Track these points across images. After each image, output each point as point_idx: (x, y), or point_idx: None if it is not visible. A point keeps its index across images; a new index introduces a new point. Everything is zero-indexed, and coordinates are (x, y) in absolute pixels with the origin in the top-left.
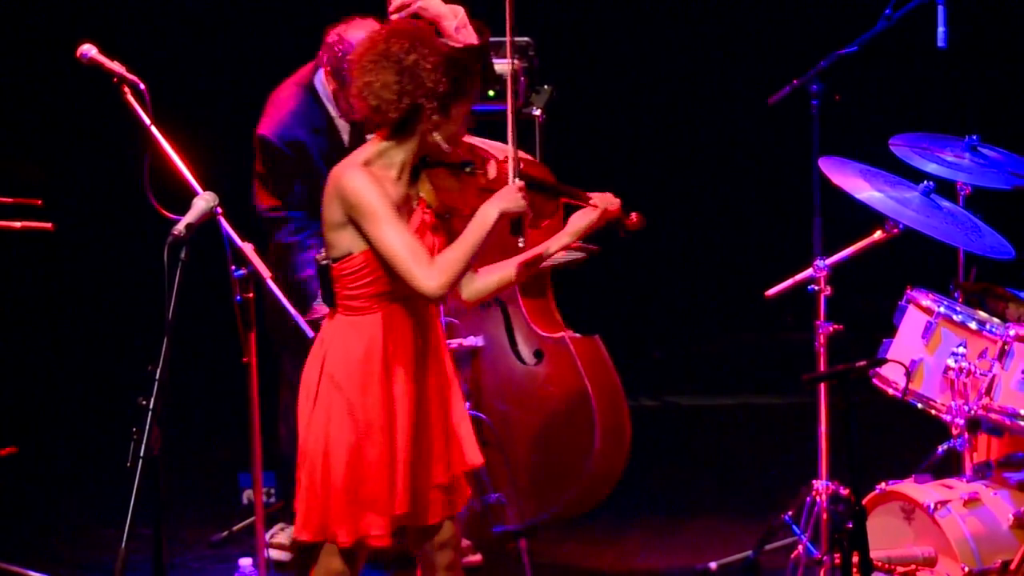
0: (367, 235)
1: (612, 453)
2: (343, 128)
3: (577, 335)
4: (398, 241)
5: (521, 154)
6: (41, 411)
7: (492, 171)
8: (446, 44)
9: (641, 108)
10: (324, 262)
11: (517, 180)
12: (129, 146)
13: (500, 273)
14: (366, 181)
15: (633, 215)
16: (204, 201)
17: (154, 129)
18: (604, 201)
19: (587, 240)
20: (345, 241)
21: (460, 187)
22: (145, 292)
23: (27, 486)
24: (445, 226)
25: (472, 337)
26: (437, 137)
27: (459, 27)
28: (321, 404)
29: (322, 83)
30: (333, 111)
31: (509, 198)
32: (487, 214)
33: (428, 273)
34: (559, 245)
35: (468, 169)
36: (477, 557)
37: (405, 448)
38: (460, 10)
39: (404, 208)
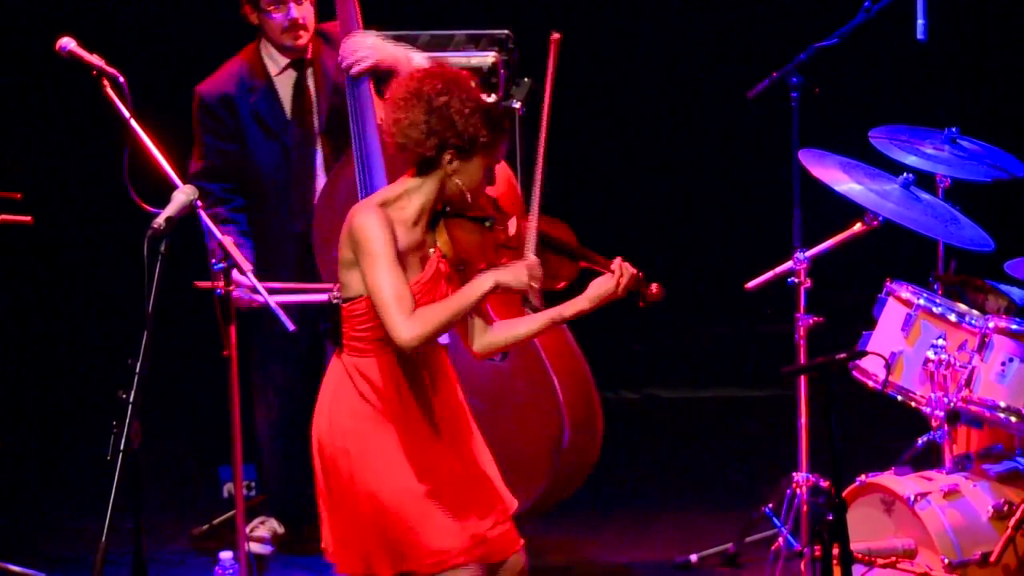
0: (363, 273)
1: (583, 445)
2: (283, 84)
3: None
4: (386, 284)
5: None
6: (21, 405)
7: (512, 228)
8: (478, 92)
9: (621, 101)
10: (335, 301)
11: (531, 255)
12: (109, 139)
13: (512, 331)
14: (374, 221)
15: (654, 286)
16: (184, 194)
17: (134, 122)
18: (622, 269)
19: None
20: (356, 282)
21: (478, 241)
22: (125, 285)
23: (6, 480)
24: (460, 276)
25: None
26: (457, 183)
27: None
28: (342, 449)
29: (264, 44)
30: (274, 68)
31: (515, 274)
32: (483, 283)
33: (406, 322)
34: (575, 310)
35: (488, 224)
36: None
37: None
38: (421, 59)
39: (418, 254)
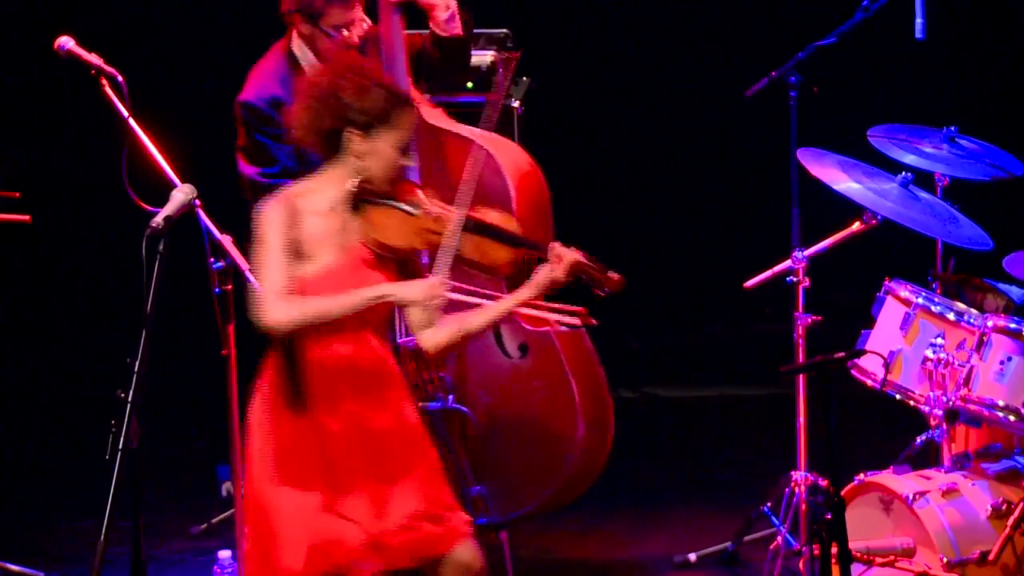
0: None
1: (595, 447)
2: None
3: (563, 329)
4: (264, 268)
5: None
6: (19, 403)
7: (433, 210)
8: (377, 74)
9: (619, 100)
10: None
11: (440, 276)
12: (107, 139)
13: (462, 326)
14: (269, 212)
15: (612, 275)
16: (182, 194)
17: (132, 122)
18: (560, 253)
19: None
20: None
21: (401, 226)
22: (123, 285)
23: (5, 479)
24: (398, 265)
25: None
26: (363, 167)
27: (449, 19)
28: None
29: (299, 46)
30: (310, 70)
31: (410, 291)
32: (370, 291)
33: (273, 303)
34: (519, 299)
35: (410, 210)
36: None
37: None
38: (452, 2)
39: (337, 241)
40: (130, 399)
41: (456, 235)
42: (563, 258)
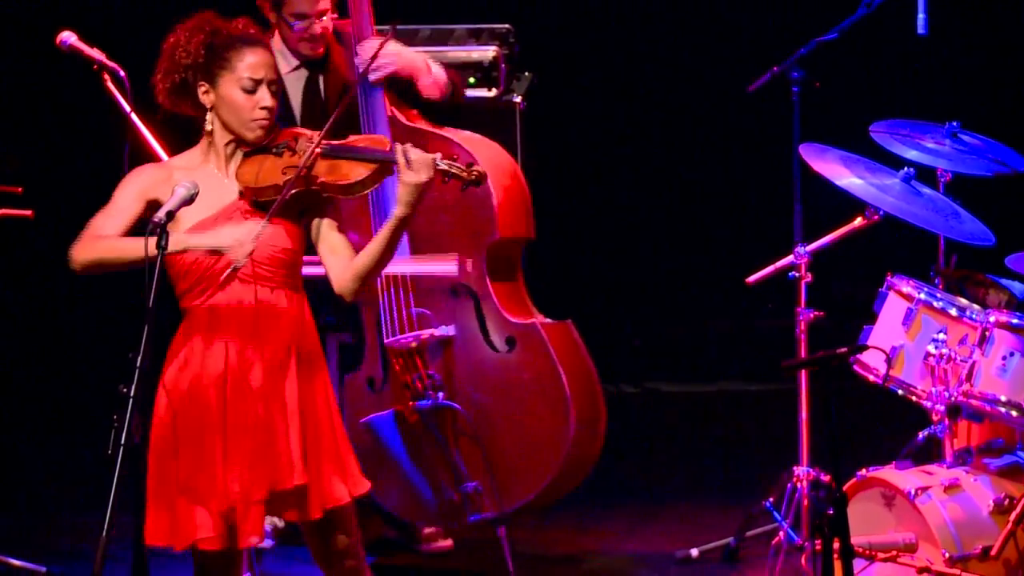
0: None
1: (587, 439)
2: (293, 84)
3: (548, 320)
4: (99, 215)
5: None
6: (22, 399)
7: (301, 146)
8: (220, 22)
9: (622, 95)
10: None
11: (262, 225)
12: (109, 133)
13: (368, 254)
14: (136, 172)
15: (474, 168)
16: (184, 188)
17: (134, 116)
18: (403, 152)
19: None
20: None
21: (264, 168)
22: (125, 280)
23: (7, 474)
24: (310, 215)
25: (443, 327)
26: (218, 119)
27: (432, 84)
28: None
29: (278, 41)
30: (285, 67)
31: (230, 239)
32: (189, 243)
33: (80, 242)
34: (395, 221)
35: (275, 151)
36: (448, 543)
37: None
38: (439, 68)
39: (215, 198)
40: (132, 394)
41: (309, 159)
42: (408, 157)
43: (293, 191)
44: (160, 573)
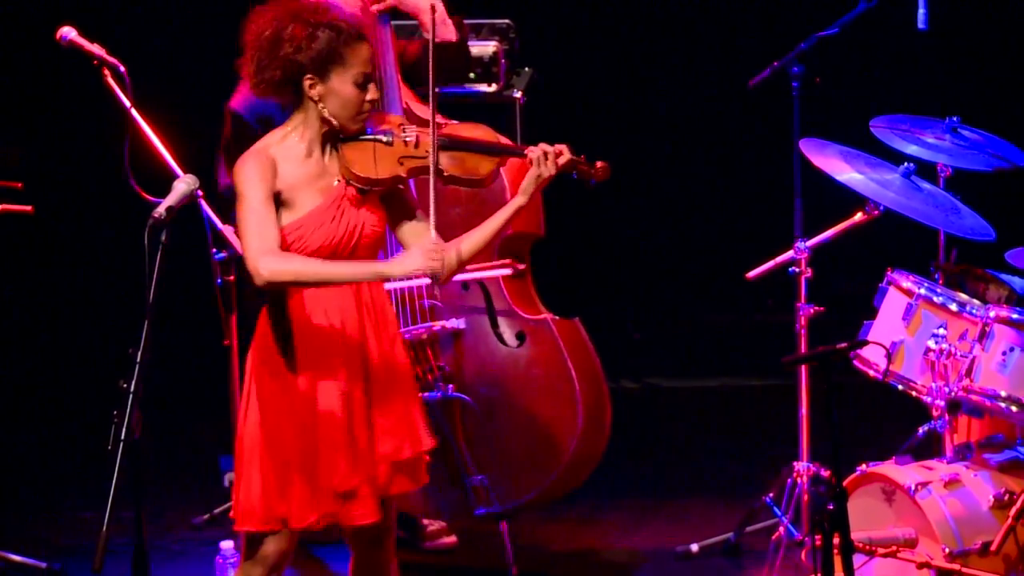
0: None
1: (594, 436)
2: None
3: (558, 317)
4: (250, 220)
5: (456, 124)
6: (22, 394)
7: (409, 135)
8: (326, 13)
9: (622, 90)
10: None
11: (433, 235)
12: (110, 129)
13: (472, 238)
14: (245, 166)
15: (599, 164)
16: (185, 184)
17: (134, 112)
18: (541, 151)
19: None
20: None
21: (377, 158)
22: (126, 275)
23: (8, 469)
24: (386, 196)
25: (454, 319)
26: (325, 112)
27: (437, 22)
28: (246, 391)
29: None
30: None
31: (402, 264)
32: (365, 269)
33: (264, 258)
34: (516, 205)
35: (384, 139)
36: (452, 539)
37: (327, 435)
38: (439, 5)
39: (317, 185)
40: (132, 389)
41: (435, 154)
42: (545, 154)
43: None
44: (160, 568)
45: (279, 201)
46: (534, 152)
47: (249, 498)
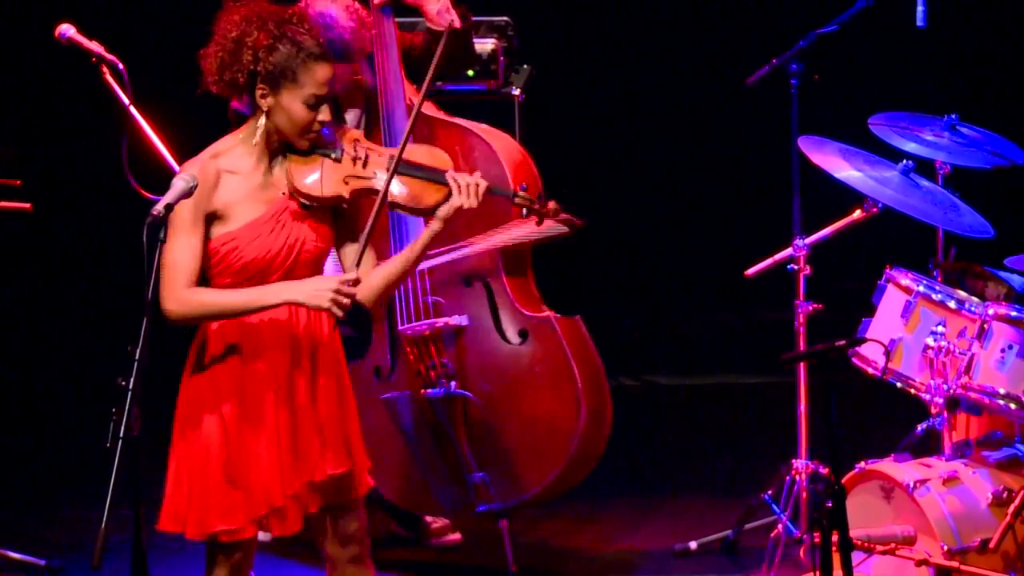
0: None
1: (595, 434)
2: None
3: (560, 315)
4: (171, 252)
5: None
6: (20, 391)
7: (360, 153)
8: (290, 28)
9: (621, 88)
10: None
11: (350, 275)
12: (108, 126)
13: (385, 271)
14: (179, 181)
15: (550, 203)
16: (183, 181)
17: (133, 109)
18: (457, 180)
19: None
20: None
21: (324, 174)
22: (124, 272)
23: (7, 467)
24: (331, 211)
25: (456, 316)
26: (273, 122)
27: (441, 11)
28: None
29: None
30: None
31: (311, 294)
32: (271, 295)
33: (173, 295)
34: (429, 234)
35: (333, 155)
36: (456, 536)
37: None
38: None
39: (262, 197)
40: (130, 387)
41: (385, 176)
42: (463, 184)
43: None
44: (158, 566)
45: (214, 217)
46: (455, 182)
47: (174, 501)
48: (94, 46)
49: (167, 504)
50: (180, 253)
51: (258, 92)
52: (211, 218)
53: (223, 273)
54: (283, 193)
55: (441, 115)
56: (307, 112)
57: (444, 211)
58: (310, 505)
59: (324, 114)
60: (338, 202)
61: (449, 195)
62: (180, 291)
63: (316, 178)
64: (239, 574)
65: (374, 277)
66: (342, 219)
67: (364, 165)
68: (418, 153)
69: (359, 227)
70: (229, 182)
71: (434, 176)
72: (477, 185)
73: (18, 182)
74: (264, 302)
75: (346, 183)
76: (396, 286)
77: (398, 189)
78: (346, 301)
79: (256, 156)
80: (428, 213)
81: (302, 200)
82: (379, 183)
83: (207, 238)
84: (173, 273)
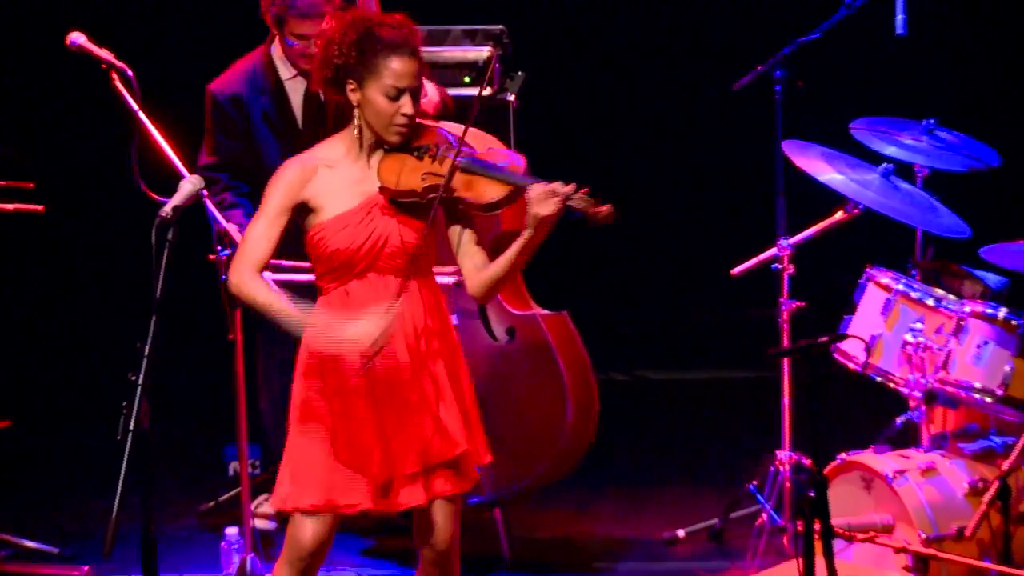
0: None
1: (582, 426)
2: (294, 89)
3: (547, 312)
4: (250, 231)
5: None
6: (34, 387)
7: (440, 151)
8: (370, 23)
9: (611, 93)
10: None
11: (390, 305)
12: (117, 131)
13: (496, 269)
14: (282, 171)
15: (603, 207)
16: (190, 184)
17: (141, 114)
18: (539, 188)
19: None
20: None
21: (404, 169)
22: (134, 272)
23: (21, 458)
24: (420, 208)
25: None
26: (363, 117)
27: (425, 101)
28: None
29: (277, 49)
30: (286, 73)
31: (361, 331)
32: (299, 321)
33: (237, 272)
34: (526, 238)
35: (417, 153)
36: None
37: (347, 431)
38: (433, 91)
39: (359, 188)
40: (140, 382)
41: (450, 173)
42: (544, 191)
43: (434, 201)
44: (168, 554)
45: (306, 209)
46: (532, 185)
47: (284, 481)
48: (104, 54)
49: (280, 486)
50: (256, 236)
51: (348, 87)
52: (305, 209)
53: (317, 260)
54: (376, 188)
55: (435, 124)
56: (388, 103)
57: (528, 220)
58: (418, 488)
59: (407, 107)
60: (412, 197)
61: (511, 193)
62: (243, 271)
63: (398, 173)
64: (320, 554)
65: (486, 272)
66: (458, 224)
67: (441, 163)
68: (496, 155)
69: (474, 226)
70: (325, 175)
71: (497, 174)
72: (558, 195)
73: (31, 185)
74: (289, 327)
75: (423, 180)
76: (503, 285)
77: (461, 183)
78: (383, 339)
79: (354, 151)
80: (492, 210)
81: (391, 196)
82: (445, 183)
83: (304, 228)
84: (243, 251)
